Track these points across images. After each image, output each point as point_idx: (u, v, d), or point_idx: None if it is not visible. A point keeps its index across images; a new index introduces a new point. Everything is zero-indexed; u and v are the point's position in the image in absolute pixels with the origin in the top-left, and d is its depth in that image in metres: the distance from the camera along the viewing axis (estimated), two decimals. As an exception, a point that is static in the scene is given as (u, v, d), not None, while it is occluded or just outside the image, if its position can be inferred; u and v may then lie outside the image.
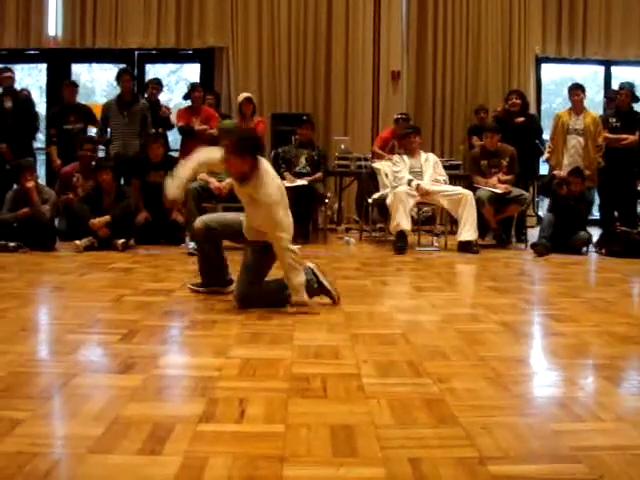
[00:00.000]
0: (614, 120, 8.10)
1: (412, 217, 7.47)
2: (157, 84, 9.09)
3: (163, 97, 9.53)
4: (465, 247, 7.07)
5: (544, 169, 8.82)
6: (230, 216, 4.39)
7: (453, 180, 8.31)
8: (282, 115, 10.11)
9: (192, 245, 6.16)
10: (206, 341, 3.22)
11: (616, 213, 8.18)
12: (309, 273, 4.08)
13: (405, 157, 7.65)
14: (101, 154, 8.46)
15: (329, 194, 8.57)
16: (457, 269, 6.36)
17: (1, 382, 2.53)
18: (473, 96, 10.74)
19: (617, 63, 11.14)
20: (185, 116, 8.46)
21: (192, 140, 7.99)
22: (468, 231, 7.11)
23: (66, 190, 7.72)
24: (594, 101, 11.03)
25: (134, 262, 6.09)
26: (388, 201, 7.29)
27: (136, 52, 10.84)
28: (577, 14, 10.82)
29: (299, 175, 7.66)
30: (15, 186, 7.41)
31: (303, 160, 7.83)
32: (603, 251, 7.21)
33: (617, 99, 8.30)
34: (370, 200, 7.91)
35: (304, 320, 3.71)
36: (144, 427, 2.09)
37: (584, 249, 7.24)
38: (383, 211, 7.86)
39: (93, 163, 7.64)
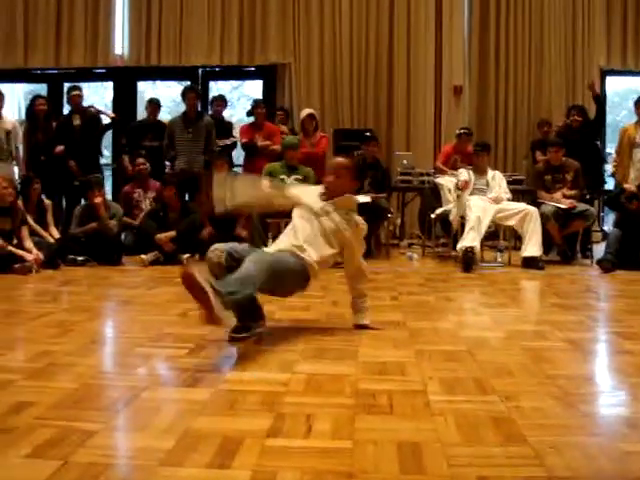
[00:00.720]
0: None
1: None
2: (222, 101, 9.25)
3: (226, 113, 9.67)
4: (530, 263, 6.96)
5: (609, 184, 8.66)
6: (282, 260, 3.56)
7: (516, 195, 8.21)
8: (344, 131, 10.10)
9: None
10: (272, 356, 3.24)
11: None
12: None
13: (471, 172, 7.60)
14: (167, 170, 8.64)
15: (392, 209, 8.54)
16: (522, 285, 6.27)
17: (73, 394, 2.59)
18: (536, 110, 10.58)
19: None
20: (248, 132, 8.58)
21: (255, 156, 8.09)
22: (533, 247, 7.00)
23: (128, 209, 7.92)
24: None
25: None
26: (451, 217, 7.22)
27: (200, 69, 11.02)
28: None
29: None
30: (83, 202, 7.64)
31: (366, 184, 7.55)
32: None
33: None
34: (433, 215, 7.86)
35: (369, 336, 3.71)
36: (213, 441, 2.11)
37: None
38: (446, 226, 7.81)
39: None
